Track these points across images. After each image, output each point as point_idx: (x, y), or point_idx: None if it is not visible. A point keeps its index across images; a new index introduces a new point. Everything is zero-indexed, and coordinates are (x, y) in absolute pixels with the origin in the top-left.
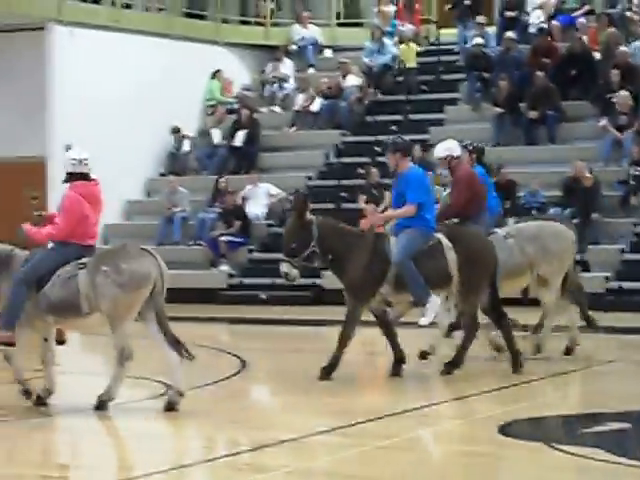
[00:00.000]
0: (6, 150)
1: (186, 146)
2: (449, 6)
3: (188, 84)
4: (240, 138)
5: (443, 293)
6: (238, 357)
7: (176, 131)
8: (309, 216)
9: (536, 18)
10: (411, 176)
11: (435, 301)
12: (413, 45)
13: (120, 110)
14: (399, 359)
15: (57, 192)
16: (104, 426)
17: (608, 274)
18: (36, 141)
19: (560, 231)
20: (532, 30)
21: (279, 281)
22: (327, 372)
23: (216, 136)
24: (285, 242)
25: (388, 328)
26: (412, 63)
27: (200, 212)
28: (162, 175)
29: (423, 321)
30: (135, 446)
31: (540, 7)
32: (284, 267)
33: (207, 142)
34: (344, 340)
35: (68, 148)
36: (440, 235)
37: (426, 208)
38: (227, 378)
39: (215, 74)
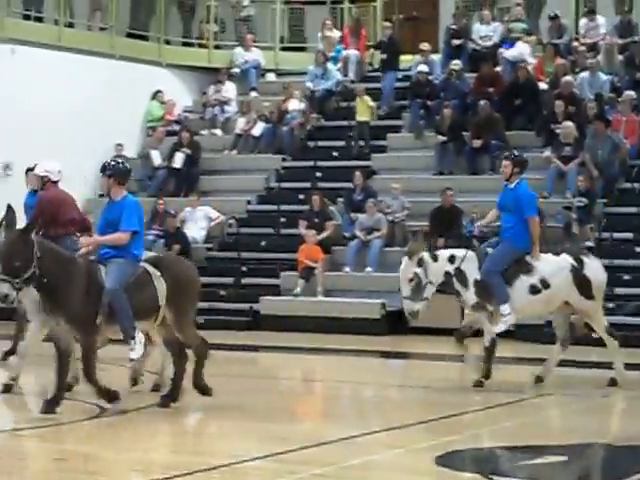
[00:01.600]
0: None
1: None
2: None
3: (129, 105)
4: (180, 160)
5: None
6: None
7: (120, 150)
8: (30, 234)
9: (481, 46)
10: (127, 204)
11: (141, 335)
12: (367, 99)
13: (60, 129)
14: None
15: None
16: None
17: None
18: None
19: None
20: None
21: (217, 305)
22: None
23: (156, 158)
24: (6, 259)
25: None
26: (365, 117)
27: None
28: (101, 196)
29: (133, 355)
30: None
31: (486, 36)
32: (4, 288)
33: (147, 163)
34: (90, 378)
35: (6, 167)
36: (145, 264)
37: (138, 238)
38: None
39: (155, 95)
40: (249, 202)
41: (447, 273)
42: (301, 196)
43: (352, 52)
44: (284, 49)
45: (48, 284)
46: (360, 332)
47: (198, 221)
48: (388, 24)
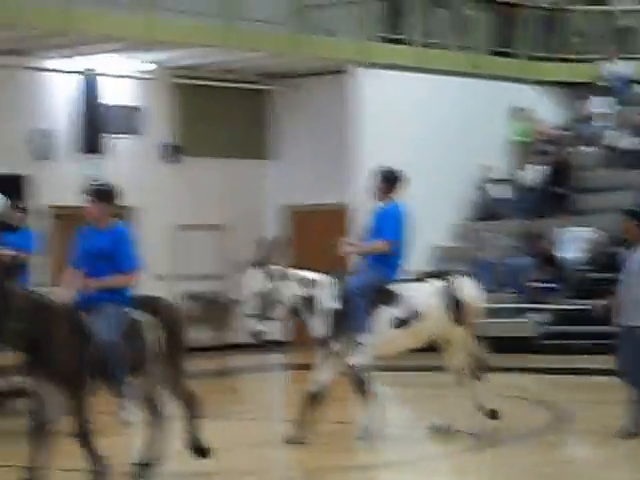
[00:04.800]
0: (307, 197)
1: (493, 189)
2: None
3: (489, 124)
4: (550, 179)
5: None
6: (553, 408)
7: (487, 172)
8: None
9: None
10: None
11: (134, 390)
12: None
13: (424, 153)
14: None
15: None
16: None
17: None
18: (337, 188)
19: None
20: None
21: (598, 329)
22: None
23: (526, 178)
24: None
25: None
26: None
27: (509, 258)
28: (468, 220)
29: (125, 415)
30: None
31: None
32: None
33: (515, 185)
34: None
35: None
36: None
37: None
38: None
39: (518, 112)
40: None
41: (297, 296)
42: None
43: None
44: None
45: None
46: None
47: (572, 242)
48: None
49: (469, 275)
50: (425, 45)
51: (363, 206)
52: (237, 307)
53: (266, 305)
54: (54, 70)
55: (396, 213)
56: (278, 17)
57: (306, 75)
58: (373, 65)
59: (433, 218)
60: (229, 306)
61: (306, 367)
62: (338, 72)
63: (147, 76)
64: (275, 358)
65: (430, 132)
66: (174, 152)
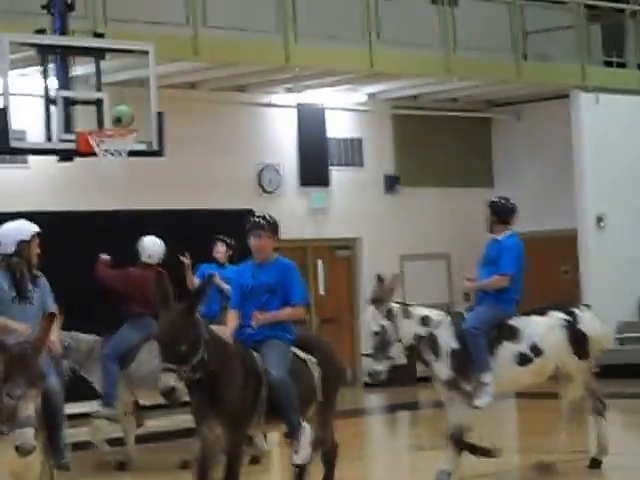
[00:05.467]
0: (536, 224)
1: None
2: None
3: None
4: None
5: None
6: None
7: None
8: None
9: None
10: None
11: (308, 431)
12: None
13: None
14: None
15: (591, 265)
16: None
17: None
18: (566, 213)
19: None
20: None
21: None
22: None
23: None
24: (171, 342)
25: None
26: None
27: None
28: None
29: (298, 459)
30: None
31: None
32: (169, 379)
33: None
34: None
35: (599, 220)
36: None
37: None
38: None
39: None
40: None
41: (417, 335)
42: None
43: None
44: None
45: (212, 374)
46: None
47: None
48: None
49: (590, 307)
50: None
51: (591, 231)
52: None
53: (384, 345)
54: (278, 105)
55: (513, 245)
56: (497, 44)
57: (528, 101)
58: (595, 89)
59: None
60: None
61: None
62: (560, 97)
63: (368, 108)
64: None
65: None
66: (394, 182)
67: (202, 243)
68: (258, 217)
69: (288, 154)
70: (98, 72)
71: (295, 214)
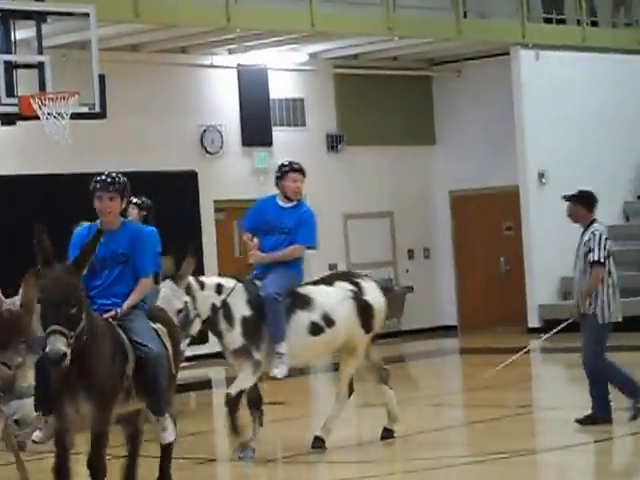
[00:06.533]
0: (478, 181)
1: None
2: None
3: None
4: None
5: None
6: None
7: None
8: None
9: None
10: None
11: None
12: None
13: (591, 131)
14: None
15: (533, 221)
16: (590, 462)
17: None
18: (508, 169)
19: None
20: None
21: None
22: None
23: None
24: (62, 302)
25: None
26: None
27: None
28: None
29: (169, 437)
30: None
31: None
32: (59, 343)
33: None
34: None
35: (541, 176)
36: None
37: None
38: None
39: None
40: None
41: (214, 306)
42: None
43: None
44: None
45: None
46: None
47: None
48: None
49: (372, 278)
50: (588, 24)
51: (533, 187)
52: (409, 294)
53: (187, 322)
54: (220, 66)
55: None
56: (438, 2)
57: (469, 59)
58: (535, 46)
59: (603, 197)
60: (401, 293)
61: (476, 351)
62: (500, 55)
63: (309, 68)
64: (447, 343)
65: (595, 110)
66: (337, 141)
67: None
68: (104, 177)
69: (230, 115)
70: (39, 35)
71: (238, 175)
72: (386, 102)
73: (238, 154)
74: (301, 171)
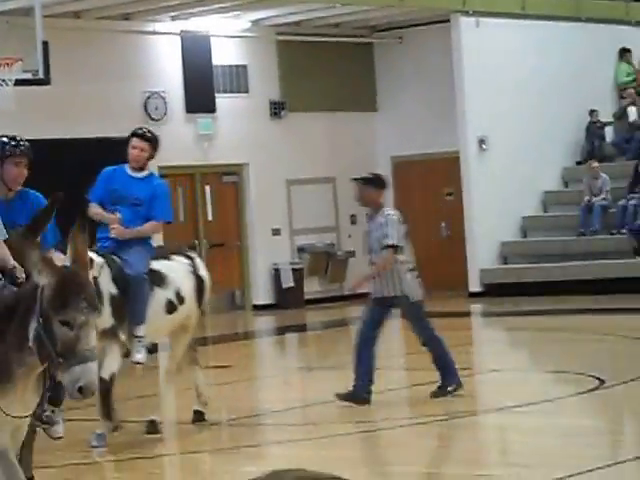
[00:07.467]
0: (420, 147)
1: (600, 132)
2: None
3: (596, 68)
4: None
5: None
6: None
7: (593, 114)
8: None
9: None
10: None
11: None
12: None
13: (531, 98)
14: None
15: (474, 187)
16: (530, 423)
17: None
18: (449, 136)
19: None
20: None
21: None
22: None
23: (632, 114)
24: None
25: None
26: None
27: (621, 199)
28: (578, 163)
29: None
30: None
31: None
32: None
33: (623, 126)
34: None
35: (481, 142)
36: None
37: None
38: None
39: (623, 54)
40: None
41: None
42: None
43: None
44: None
45: None
46: None
47: None
48: None
49: (197, 253)
50: None
51: (473, 153)
52: (351, 258)
53: None
54: (163, 33)
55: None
56: None
57: (410, 26)
58: (475, 13)
59: (543, 163)
60: (344, 258)
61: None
62: (442, 22)
63: (252, 34)
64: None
65: (536, 77)
66: (280, 108)
67: (89, 172)
68: (18, 140)
69: (174, 82)
70: None
71: (182, 141)
72: (328, 69)
73: (182, 120)
74: (143, 137)
